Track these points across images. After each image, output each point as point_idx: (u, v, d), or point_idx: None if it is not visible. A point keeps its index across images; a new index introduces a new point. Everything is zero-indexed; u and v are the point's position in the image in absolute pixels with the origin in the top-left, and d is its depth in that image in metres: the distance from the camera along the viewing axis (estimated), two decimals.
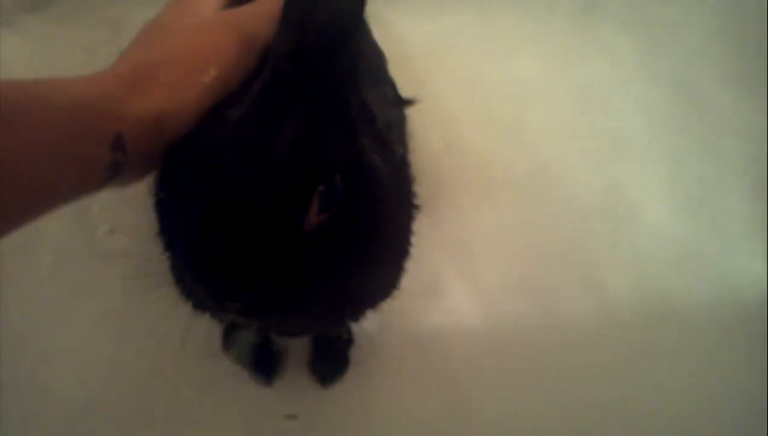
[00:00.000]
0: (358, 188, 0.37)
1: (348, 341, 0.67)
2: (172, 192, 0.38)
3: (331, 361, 0.67)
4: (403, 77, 0.66)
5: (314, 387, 0.64)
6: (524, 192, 0.74)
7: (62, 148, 0.34)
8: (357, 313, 0.46)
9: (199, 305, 0.44)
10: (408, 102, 0.67)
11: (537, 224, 0.72)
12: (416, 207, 0.49)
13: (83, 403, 0.61)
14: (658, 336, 0.65)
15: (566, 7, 0.88)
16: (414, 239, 0.48)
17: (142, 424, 0.60)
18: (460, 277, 0.69)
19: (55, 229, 0.68)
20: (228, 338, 0.65)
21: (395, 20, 0.86)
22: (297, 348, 0.66)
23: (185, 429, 0.61)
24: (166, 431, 0.60)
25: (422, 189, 0.67)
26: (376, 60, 0.68)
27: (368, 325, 0.50)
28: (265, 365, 0.64)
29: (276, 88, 0.36)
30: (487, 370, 0.64)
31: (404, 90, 0.67)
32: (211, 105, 0.40)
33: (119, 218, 0.67)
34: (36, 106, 0.33)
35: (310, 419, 0.62)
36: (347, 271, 0.38)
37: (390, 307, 0.49)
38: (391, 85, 0.66)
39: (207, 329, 0.59)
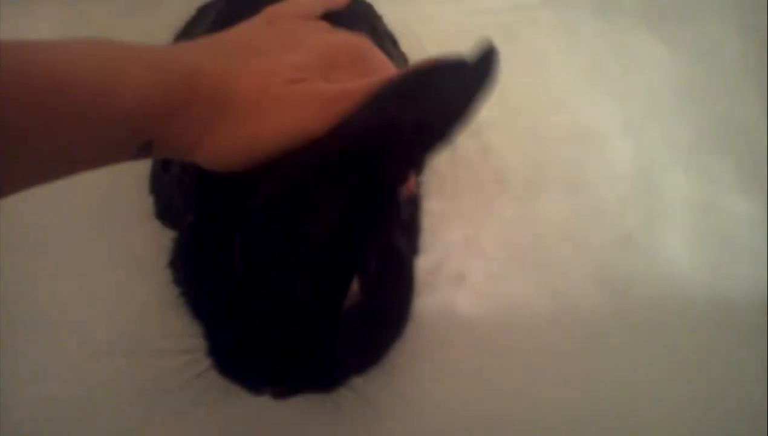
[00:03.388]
0: (387, 270, 0.37)
1: None
2: (198, 271, 0.38)
3: None
4: None
5: None
6: (538, 181, 0.73)
7: (92, 147, 0.34)
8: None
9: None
10: None
11: (550, 212, 0.72)
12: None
13: None
14: (665, 330, 0.66)
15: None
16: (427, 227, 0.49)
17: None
18: (469, 264, 0.69)
19: None
20: None
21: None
22: None
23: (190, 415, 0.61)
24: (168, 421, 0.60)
25: (438, 174, 0.68)
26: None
27: None
28: None
29: (317, 169, 0.34)
30: (494, 359, 0.65)
31: None
32: (248, 162, 0.37)
33: None
34: (79, 113, 0.32)
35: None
36: (376, 341, 0.39)
37: None
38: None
39: None
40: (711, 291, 0.68)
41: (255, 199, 0.35)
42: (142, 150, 0.36)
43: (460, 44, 0.38)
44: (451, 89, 0.35)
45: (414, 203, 0.45)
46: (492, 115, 0.75)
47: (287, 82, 0.37)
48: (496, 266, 0.69)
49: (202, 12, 0.71)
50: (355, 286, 0.35)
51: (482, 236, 0.71)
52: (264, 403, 0.60)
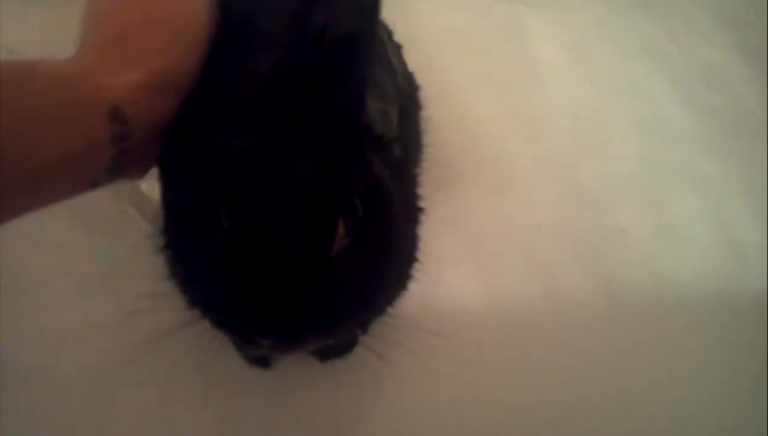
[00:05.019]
0: (373, 207, 0.36)
1: None
2: (182, 231, 0.37)
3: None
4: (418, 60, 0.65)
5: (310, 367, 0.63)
6: (532, 176, 0.73)
7: (50, 127, 0.32)
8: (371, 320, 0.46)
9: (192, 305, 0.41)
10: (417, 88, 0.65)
11: (544, 208, 0.71)
12: (421, 210, 0.48)
13: None
14: (662, 326, 0.65)
15: None
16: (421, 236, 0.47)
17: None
18: (465, 260, 0.68)
19: None
20: None
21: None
22: None
23: (173, 405, 0.60)
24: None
25: (430, 171, 0.67)
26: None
27: None
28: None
29: (277, 112, 0.34)
30: (490, 354, 0.63)
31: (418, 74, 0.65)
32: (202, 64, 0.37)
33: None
34: (16, 86, 0.31)
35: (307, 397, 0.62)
36: (369, 286, 0.38)
37: None
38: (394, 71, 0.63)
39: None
40: (710, 290, 0.67)
41: (231, 152, 0.34)
42: (115, 120, 0.34)
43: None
44: None
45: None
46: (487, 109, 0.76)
47: None
48: (492, 263, 0.68)
49: None
50: (341, 228, 0.34)
51: (476, 233, 0.70)
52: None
